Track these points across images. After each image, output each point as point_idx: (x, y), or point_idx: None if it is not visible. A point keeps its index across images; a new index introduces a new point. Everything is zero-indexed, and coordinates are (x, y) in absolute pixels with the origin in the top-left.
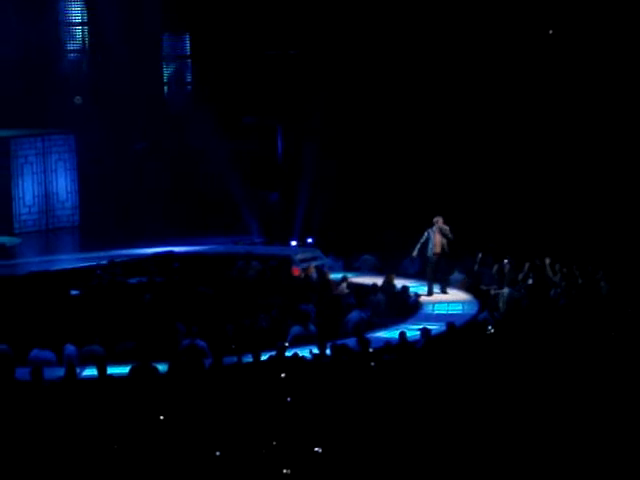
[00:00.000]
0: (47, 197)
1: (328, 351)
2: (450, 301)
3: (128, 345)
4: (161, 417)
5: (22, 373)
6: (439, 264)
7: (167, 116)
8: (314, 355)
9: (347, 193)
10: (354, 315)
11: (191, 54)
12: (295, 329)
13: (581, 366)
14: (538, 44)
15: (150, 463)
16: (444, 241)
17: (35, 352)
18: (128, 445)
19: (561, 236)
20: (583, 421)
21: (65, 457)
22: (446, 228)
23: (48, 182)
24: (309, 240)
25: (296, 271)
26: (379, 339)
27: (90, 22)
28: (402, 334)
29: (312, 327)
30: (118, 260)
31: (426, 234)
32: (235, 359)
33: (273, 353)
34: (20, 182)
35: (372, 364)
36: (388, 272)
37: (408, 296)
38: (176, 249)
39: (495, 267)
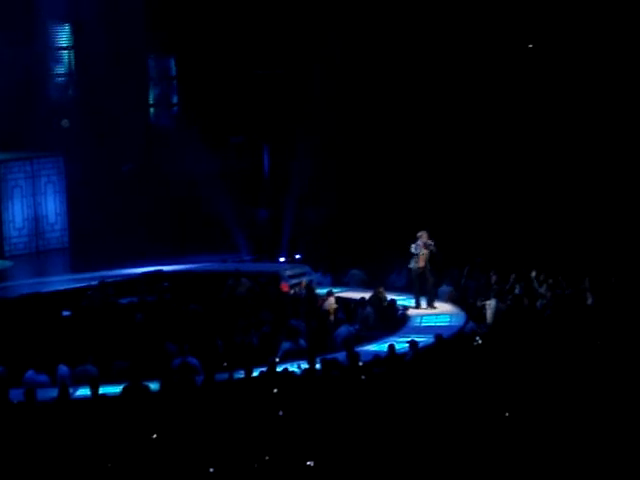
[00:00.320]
0: (37, 220)
1: (318, 365)
2: (437, 313)
3: (122, 365)
4: (154, 435)
5: (16, 394)
6: (424, 277)
7: (154, 137)
8: (304, 370)
9: (334, 209)
10: (343, 329)
11: (177, 75)
12: (285, 345)
13: (568, 376)
14: (533, 50)
15: None
16: (428, 255)
17: (30, 373)
18: (122, 463)
19: (547, 247)
20: (571, 430)
21: (59, 476)
22: (430, 243)
23: (37, 205)
24: (297, 256)
25: (285, 287)
26: (368, 352)
27: (76, 46)
28: (391, 347)
29: (302, 342)
30: (109, 280)
31: (412, 248)
32: (227, 375)
33: (264, 369)
34: (10, 206)
35: (362, 377)
36: (376, 286)
37: (396, 309)
38: (165, 268)
39: (482, 279)
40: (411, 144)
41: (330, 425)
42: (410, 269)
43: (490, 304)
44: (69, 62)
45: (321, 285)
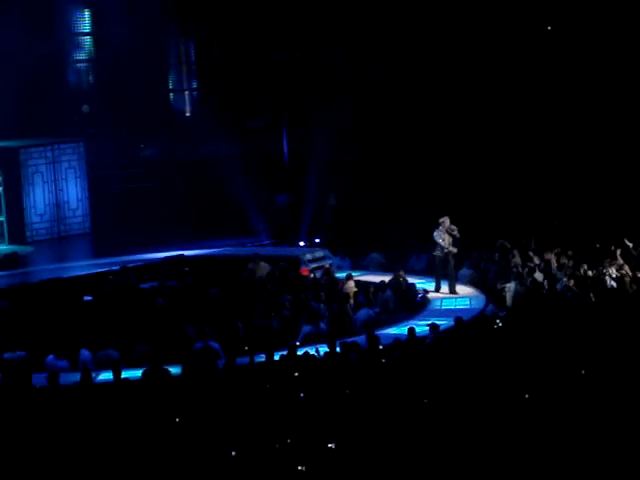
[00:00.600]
0: (58, 205)
1: (338, 349)
2: (458, 296)
3: (144, 349)
4: (176, 419)
5: (39, 379)
6: (447, 262)
7: (174, 122)
8: (323, 353)
9: (353, 192)
10: (363, 313)
11: (196, 60)
12: (306, 328)
13: (588, 359)
14: (536, 42)
15: (167, 464)
16: (451, 240)
17: (50, 358)
18: (144, 447)
19: (568, 230)
20: (591, 414)
21: (82, 460)
22: (454, 228)
23: (59, 190)
24: (317, 240)
25: (305, 271)
26: (388, 336)
27: (96, 32)
28: (411, 330)
29: (323, 326)
30: (130, 265)
31: (435, 236)
32: (248, 359)
33: (285, 352)
34: (31, 191)
35: (383, 361)
36: (396, 269)
37: (416, 292)
38: (186, 253)
39: (502, 262)
40: (431, 126)
41: (351, 408)
42: (433, 255)
43: (510, 287)
44: (89, 48)
45: (341, 269)
